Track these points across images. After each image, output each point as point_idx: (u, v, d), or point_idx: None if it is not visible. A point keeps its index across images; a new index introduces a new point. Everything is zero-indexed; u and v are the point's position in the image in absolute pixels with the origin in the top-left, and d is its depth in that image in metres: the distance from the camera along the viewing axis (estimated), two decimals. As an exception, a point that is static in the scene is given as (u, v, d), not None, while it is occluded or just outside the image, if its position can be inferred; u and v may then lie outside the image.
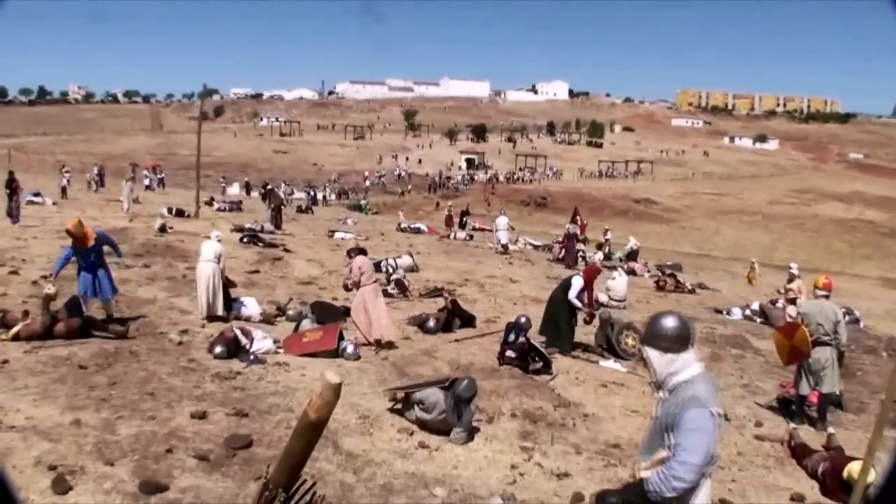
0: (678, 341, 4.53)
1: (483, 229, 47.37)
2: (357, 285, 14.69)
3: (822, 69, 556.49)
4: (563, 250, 33.35)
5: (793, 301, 19.80)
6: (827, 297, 12.56)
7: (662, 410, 4.53)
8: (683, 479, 4.26)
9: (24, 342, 12.11)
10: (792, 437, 10.69)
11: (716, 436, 4.38)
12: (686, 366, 4.53)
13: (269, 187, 36.93)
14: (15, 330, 12.34)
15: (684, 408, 4.35)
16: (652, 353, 4.58)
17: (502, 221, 37.16)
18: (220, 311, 15.03)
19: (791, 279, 20.68)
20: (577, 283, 15.65)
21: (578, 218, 36.09)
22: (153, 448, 8.27)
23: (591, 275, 15.99)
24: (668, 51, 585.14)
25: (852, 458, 8.96)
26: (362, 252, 15.25)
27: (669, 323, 4.61)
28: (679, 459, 4.26)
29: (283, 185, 60.55)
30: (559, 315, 15.87)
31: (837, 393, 12.75)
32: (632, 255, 37.30)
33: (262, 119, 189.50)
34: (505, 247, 35.54)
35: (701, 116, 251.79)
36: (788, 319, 20.01)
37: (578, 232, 34.19)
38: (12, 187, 28.13)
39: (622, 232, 50.86)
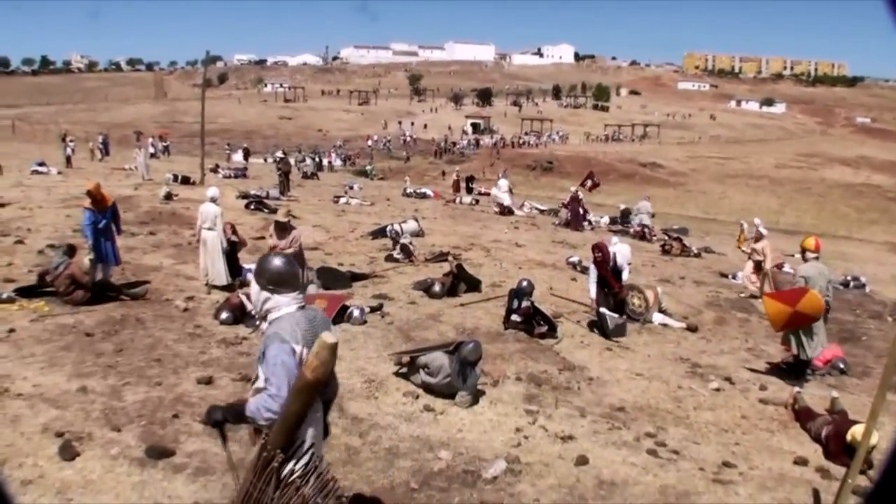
0: (277, 282, 4.77)
1: (489, 194, 47.28)
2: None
3: (830, 32, 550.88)
4: (570, 213, 33.27)
5: (759, 262, 19.85)
6: (817, 258, 12.71)
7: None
8: (271, 410, 4.47)
9: (30, 311, 12.19)
10: (796, 400, 10.72)
11: (294, 370, 4.53)
12: (279, 305, 4.76)
13: (282, 156, 36.89)
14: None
15: (267, 343, 4.59)
16: (254, 287, 4.88)
17: (503, 184, 38.23)
18: (217, 281, 14.99)
19: (758, 238, 20.58)
20: (591, 273, 15.40)
21: (590, 181, 35.90)
22: (160, 414, 8.35)
23: (601, 260, 15.20)
24: (674, 13, 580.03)
25: (856, 422, 8.98)
26: (283, 228, 14.66)
27: (274, 264, 4.88)
28: (269, 392, 4.48)
29: (298, 152, 60.29)
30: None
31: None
32: (625, 215, 37.33)
33: (266, 85, 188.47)
34: (508, 208, 35.97)
35: (707, 80, 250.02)
36: (752, 279, 20.07)
37: (581, 195, 34.05)
38: None
39: (629, 196, 50.75)
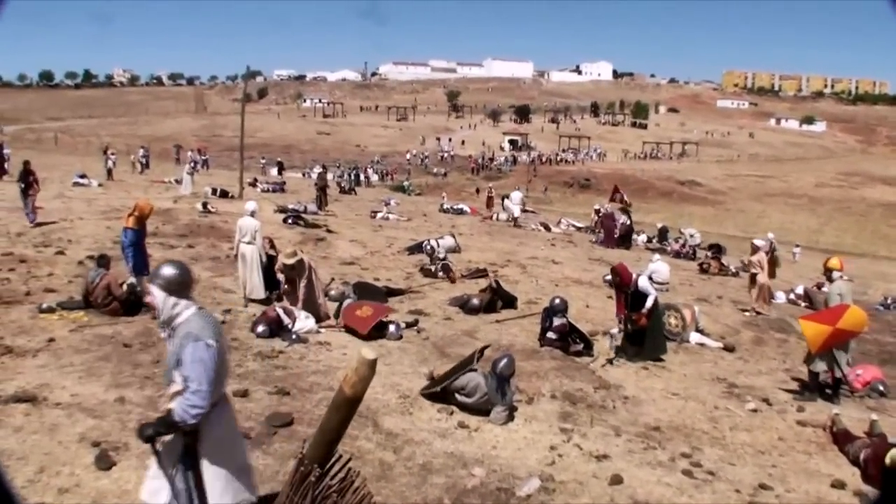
0: (179, 287, 5.03)
1: (526, 210, 47.27)
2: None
3: (871, 49, 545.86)
4: (605, 231, 33.19)
5: (754, 275, 19.66)
6: (842, 276, 12.72)
7: (171, 347, 4.99)
8: (199, 406, 4.73)
9: (69, 321, 12.32)
10: (834, 422, 10.58)
11: (213, 364, 4.84)
12: (184, 309, 5.02)
13: (321, 171, 37.17)
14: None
15: (183, 344, 4.83)
16: (158, 295, 5.00)
17: (516, 196, 39.77)
18: (254, 294, 15.03)
19: (754, 251, 20.39)
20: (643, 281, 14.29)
21: (618, 196, 35.73)
22: (196, 425, 8.37)
23: (618, 283, 14.28)
24: (713, 31, 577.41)
25: (895, 445, 8.85)
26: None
27: (173, 271, 5.07)
28: (191, 390, 4.72)
29: (337, 167, 60.80)
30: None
31: None
32: (663, 234, 37.32)
33: (305, 100, 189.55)
34: (516, 220, 37.33)
35: (747, 98, 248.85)
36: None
37: (615, 210, 33.83)
38: (27, 181, 22.30)
39: (667, 214, 50.57)
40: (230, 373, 5.61)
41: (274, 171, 67.00)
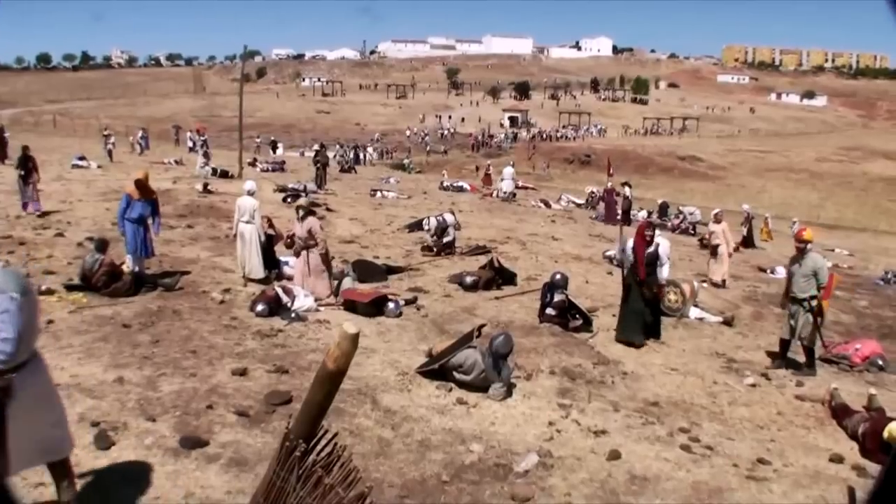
0: None
1: (526, 187, 47.22)
2: (307, 248, 14.49)
3: (871, 23, 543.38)
4: (606, 207, 33.20)
5: (716, 246, 19.59)
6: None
7: None
8: (4, 351, 4.98)
9: (69, 303, 12.34)
10: (833, 397, 10.61)
11: (18, 315, 5.03)
12: None
13: (319, 148, 37.13)
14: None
15: None
16: None
17: (508, 172, 40.33)
18: (253, 274, 15.03)
19: (718, 221, 20.38)
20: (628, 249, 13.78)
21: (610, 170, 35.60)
22: (194, 404, 8.41)
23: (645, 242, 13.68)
24: (714, 5, 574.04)
25: (893, 419, 8.87)
26: (307, 214, 14.80)
27: None
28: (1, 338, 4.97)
29: (339, 146, 60.73)
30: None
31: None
32: (663, 209, 37.44)
33: (304, 79, 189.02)
34: (511, 194, 38.22)
35: (747, 72, 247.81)
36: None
37: (616, 186, 33.78)
38: (27, 167, 21.07)
39: (668, 190, 50.54)
40: (40, 330, 6.07)
41: (272, 150, 67.07)
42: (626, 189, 33.41)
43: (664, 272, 13.48)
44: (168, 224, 19.83)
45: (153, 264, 15.22)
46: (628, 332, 13.25)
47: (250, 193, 15.32)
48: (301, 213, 14.66)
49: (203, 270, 15.65)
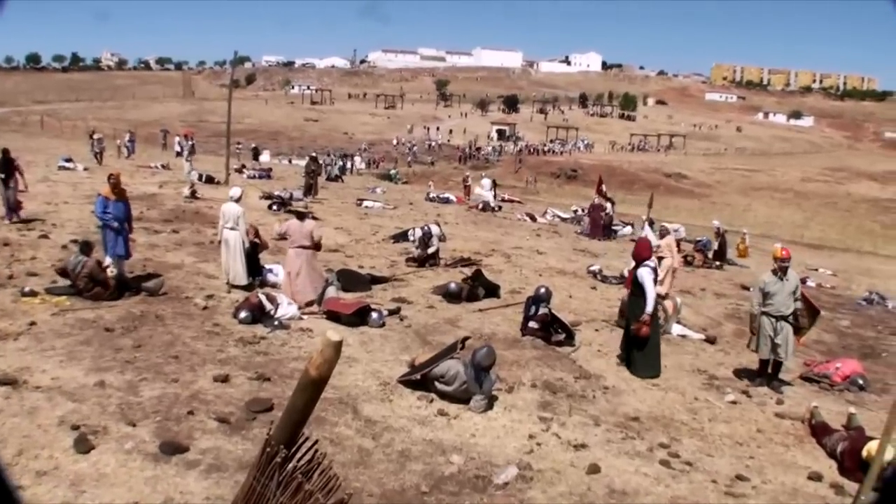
0: None
1: (512, 200, 47.27)
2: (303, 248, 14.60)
3: (859, 45, 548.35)
4: (591, 222, 33.25)
5: (660, 258, 19.56)
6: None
7: None
8: None
9: (51, 305, 12.31)
10: (812, 415, 10.66)
11: None
12: None
13: (312, 157, 37.15)
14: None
15: None
16: None
17: (486, 182, 41.08)
18: (237, 281, 15.00)
19: (663, 235, 20.43)
20: (648, 279, 12.56)
21: (602, 188, 35.66)
22: (175, 410, 8.41)
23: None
24: (703, 24, 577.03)
25: (872, 438, 8.92)
26: (303, 217, 15.03)
27: None
28: None
29: (328, 155, 60.73)
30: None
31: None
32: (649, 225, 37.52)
33: (293, 87, 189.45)
34: (487, 205, 38.42)
35: (735, 91, 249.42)
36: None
37: (603, 202, 33.81)
38: (7, 170, 19.88)
39: (653, 206, 50.54)
40: None
41: (263, 157, 66.95)
42: (608, 204, 33.50)
43: (648, 304, 12.42)
44: (153, 229, 19.85)
45: (136, 268, 15.19)
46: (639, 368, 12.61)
47: (235, 200, 15.28)
48: (300, 215, 14.89)
49: (187, 276, 15.62)
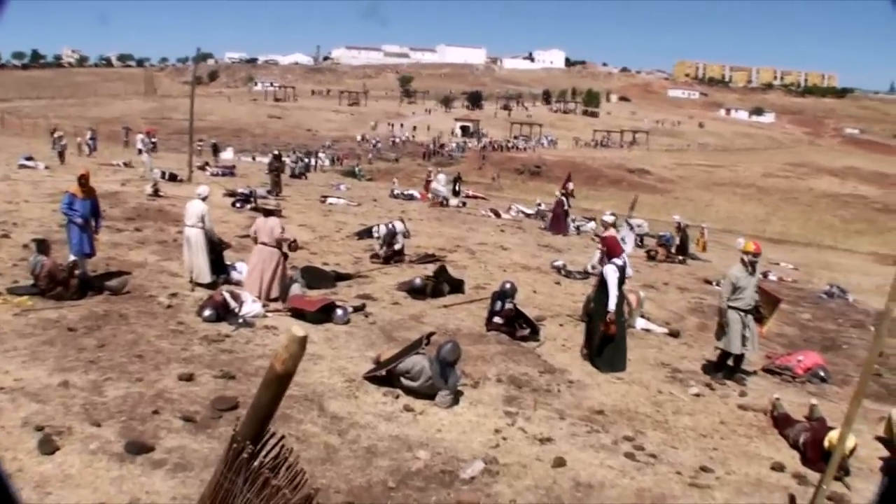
0: None
1: (476, 197, 47.37)
2: (255, 242, 14.84)
3: (820, 43, 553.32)
4: (553, 217, 33.37)
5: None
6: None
7: None
8: None
9: (13, 306, 12.19)
10: (775, 407, 10.79)
11: None
12: None
13: (276, 154, 36.98)
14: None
15: None
16: None
17: (442, 178, 42.05)
18: (200, 279, 14.89)
19: (605, 228, 20.64)
20: (612, 277, 12.57)
21: (570, 184, 35.80)
22: (140, 409, 8.36)
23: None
24: (666, 21, 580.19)
25: (833, 429, 9.04)
26: (270, 214, 15.12)
27: None
28: None
29: (292, 152, 60.53)
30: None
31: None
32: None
33: (256, 84, 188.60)
34: (445, 200, 38.99)
35: (697, 88, 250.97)
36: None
37: (567, 200, 33.93)
38: None
39: (616, 202, 50.88)
40: None
41: (225, 154, 66.47)
42: (564, 199, 33.65)
43: (610, 303, 12.43)
44: (116, 227, 19.67)
45: (99, 267, 15.07)
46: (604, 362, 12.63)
47: (203, 198, 15.22)
48: (266, 212, 15.04)
49: (150, 274, 15.50)
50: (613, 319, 12.34)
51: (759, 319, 12.84)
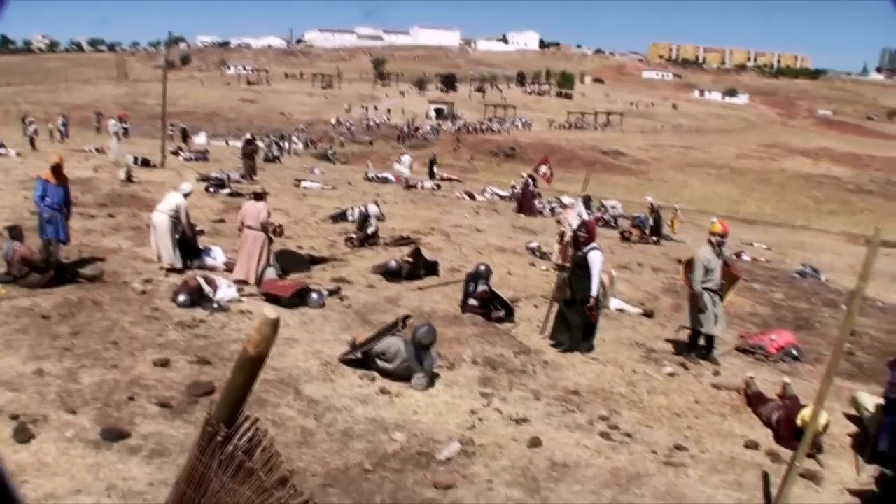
0: None
1: (451, 179, 47.39)
2: (240, 227, 14.90)
3: (793, 25, 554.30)
4: (523, 197, 33.44)
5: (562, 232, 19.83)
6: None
7: None
8: None
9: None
10: (748, 385, 10.91)
11: None
12: None
13: (249, 139, 36.73)
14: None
15: None
16: None
17: (406, 159, 41.95)
18: (165, 260, 14.81)
19: (565, 208, 20.78)
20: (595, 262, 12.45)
21: (543, 167, 35.78)
22: (115, 396, 8.35)
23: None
24: (640, 3, 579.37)
25: (806, 407, 9.15)
26: (259, 198, 15.18)
27: None
28: None
29: (266, 136, 60.19)
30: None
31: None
32: (586, 203, 37.92)
33: (229, 68, 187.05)
34: (408, 181, 39.23)
35: (671, 69, 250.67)
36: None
37: (532, 182, 33.93)
38: None
39: (591, 183, 50.91)
40: None
41: (198, 139, 66.01)
42: (529, 180, 33.69)
43: (593, 288, 12.33)
44: (88, 213, 19.54)
45: (72, 253, 14.98)
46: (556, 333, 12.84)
47: (185, 194, 15.26)
48: (257, 196, 15.11)
49: (124, 260, 15.43)
50: (594, 305, 12.40)
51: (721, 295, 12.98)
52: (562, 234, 19.95)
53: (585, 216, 17.71)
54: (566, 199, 21.02)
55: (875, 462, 8.80)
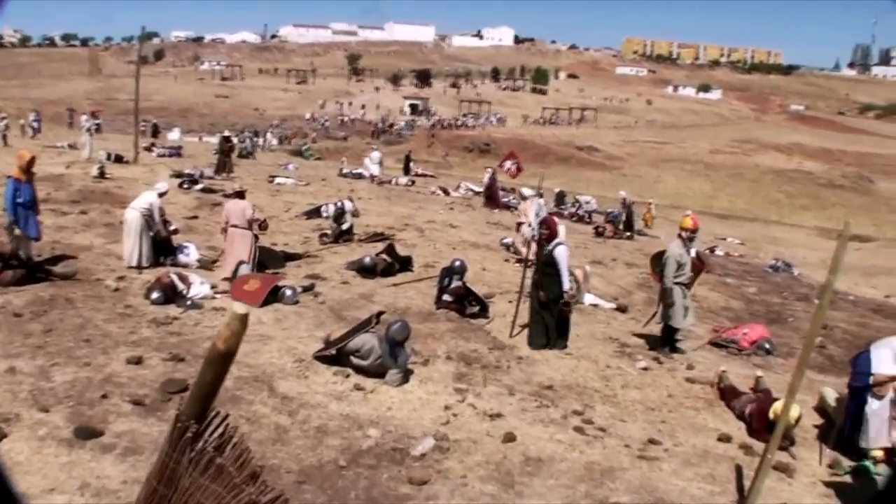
0: None
1: (425, 175, 47.39)
2: (224, 228, 14.95)
3: (767, 21, 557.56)
4: (491, 194, 33.59)
5: (519, 224, 19.96)
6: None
7: None
8: None
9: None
10: (721, 379, 10.98)
11: None
12: None
13: (225, 135, 36.53)
14: None
15: None
16: None
17: (375, 156, 42.25)
18: (133, 262, 14.68)
19: (524, 199, 20.93)
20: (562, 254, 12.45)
21: (508, 163, 35.74)
22: (88, 394, 8.32)
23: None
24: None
25: (778, 400, 9.23)
26: (240, 196, 15.30)
27: None
28: None
29: (241, 132, 59.88)
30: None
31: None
32: (560, 198, 38.13)
33: (203, 63, 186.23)
34: (376, 177, 39.50)
35: (645, 65, 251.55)
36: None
37: (494, 175, 34.04)
38: None
39: (565, 179, 51.14)
40: None
41: (172, 135, 65.56)
42: (491, 172, 33.86)
43: (565, 283, 12.30)
44: (61, 210, 19.41)
45: (44, 251, 14.87)
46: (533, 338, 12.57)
47: (160, 194, 15.23)
48: (239, 195, 15.23)
49: (97, 257, 15.33)
50: (569, 300, 12.43)
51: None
52: (519, 224, 20.09)
53: (544, 212, 17.64)
54: (525, 191, 20.98)
55: (837, 449, 8.94)
